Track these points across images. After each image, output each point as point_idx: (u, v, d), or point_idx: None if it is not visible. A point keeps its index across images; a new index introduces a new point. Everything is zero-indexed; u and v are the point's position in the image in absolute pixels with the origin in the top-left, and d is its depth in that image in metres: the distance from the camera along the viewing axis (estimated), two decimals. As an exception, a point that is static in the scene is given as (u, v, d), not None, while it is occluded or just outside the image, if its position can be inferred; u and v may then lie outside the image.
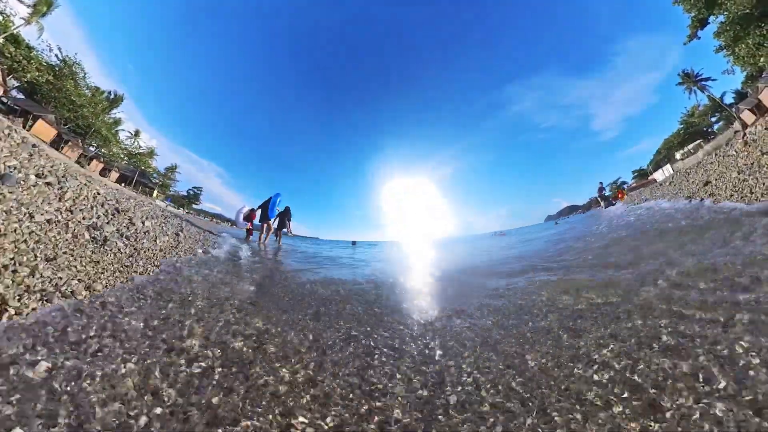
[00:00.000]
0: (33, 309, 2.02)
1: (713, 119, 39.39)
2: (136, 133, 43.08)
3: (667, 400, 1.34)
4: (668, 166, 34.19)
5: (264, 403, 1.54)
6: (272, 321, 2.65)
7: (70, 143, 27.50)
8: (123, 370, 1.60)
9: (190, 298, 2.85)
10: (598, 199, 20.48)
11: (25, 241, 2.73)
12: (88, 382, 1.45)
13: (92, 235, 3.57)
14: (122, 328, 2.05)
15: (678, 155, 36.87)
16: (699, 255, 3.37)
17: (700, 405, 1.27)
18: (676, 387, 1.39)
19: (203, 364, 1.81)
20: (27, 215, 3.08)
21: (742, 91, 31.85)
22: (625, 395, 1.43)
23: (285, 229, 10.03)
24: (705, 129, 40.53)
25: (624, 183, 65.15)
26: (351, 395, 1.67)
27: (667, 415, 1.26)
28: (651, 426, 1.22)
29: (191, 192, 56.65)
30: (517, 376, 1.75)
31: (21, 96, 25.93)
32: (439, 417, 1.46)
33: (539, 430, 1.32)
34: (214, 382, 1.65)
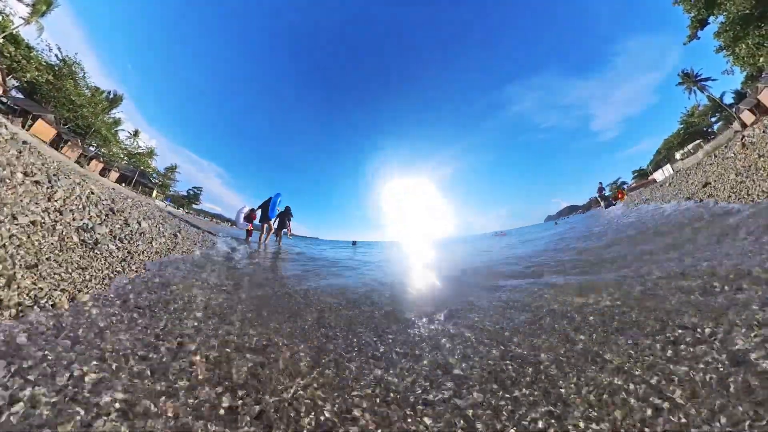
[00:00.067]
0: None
1: (713, 119, 39.45)
2: (136, 133, 43.09)
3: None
4: (668, 166, 34.21)
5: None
6: (277, 333, 2.39)
7: (69, 143, 27.48)
8: (103, 400, 1.34)
9: (183, 311, 2.52)
10: (598, 199, 20.50)
11: (4, 246, 2.47)
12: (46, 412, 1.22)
13: (82, 238, 3.32)
14: (102, 353, 1.68)
15: (678, 155, 36.89)
16: (698, 256, 3.37)
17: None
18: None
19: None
20: (9, 217, 2.83)
21: (742, 91, 31.91)
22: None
23: (285, 230, 10.00)
24: (705, 129, 40.58)
25: (624, 183, 65.24)
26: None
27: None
28: None
29: (191, 192, 56.69)
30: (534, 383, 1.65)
31: (20, 96, 25.93)
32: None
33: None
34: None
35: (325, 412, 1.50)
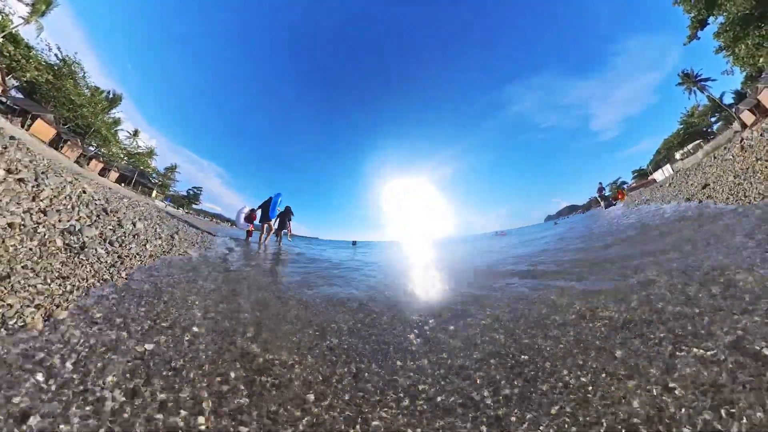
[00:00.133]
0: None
1: (713, 119, 39.46)
2: (135, 133, 43.04)
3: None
4: (668, 166, 34.22)
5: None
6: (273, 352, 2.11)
7: (69, 143, 27.44)
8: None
9: (176, 326, 2.19)
10: (598, 199, 20.52)
11: (-31, 254, 2.12)
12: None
13: (66, 242, 2.98)
14: (78, 395, 1.37)
15: (678, 155, 36.90)
16: (699, 257, 3.37)
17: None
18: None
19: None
20: (-20, 219, 2.47)
21: (742, 91, 31.90)
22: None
23: (285, 230, 9.94)
24: (705, 129, 40.59)
25: (624, 183, 65.25)
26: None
27: None
28: None
29: (191, 192, 56.64)
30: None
31: (20, 95, 25.88)
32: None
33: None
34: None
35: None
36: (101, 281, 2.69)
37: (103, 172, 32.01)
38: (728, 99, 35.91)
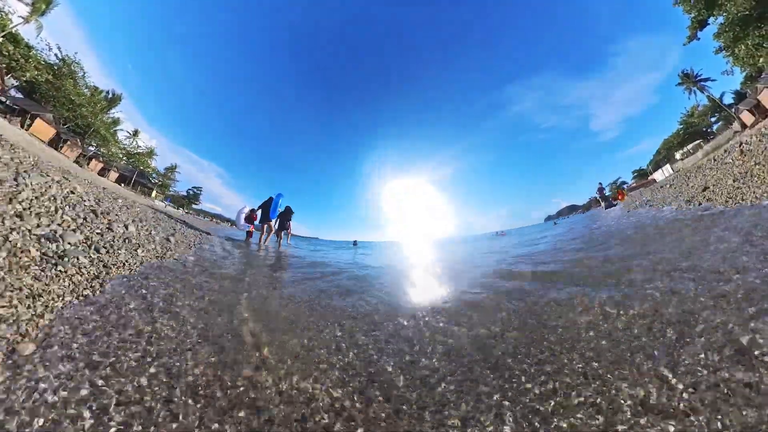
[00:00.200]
0: None
1: (713, 119, 39.52)
2: (135, 133, 43.04)
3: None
4: (668, 166, 34.26)
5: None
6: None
7: (69, 143, 27.43)
8: None
9: (162, 374, 1.65)
10: (599, 199, 20.55)
11: None
12: None
13: (43, 251, 2.56)
14: None
15: (678, 155, 36.94)
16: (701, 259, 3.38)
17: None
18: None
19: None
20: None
21: (742, 91, 31.94)
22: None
23: (286, 231, 9.92)
24: (704, 129, 40.63)
25: (624, 183, 65.35)
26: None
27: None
28: None
29: (191, 192, 56.67)
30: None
31: (20, 95, 25.86)
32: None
33: None
34: None
35: None
36: (80, 297, 2.29)
37: (102, 172, 32.00)
38: (728, 99, 35.97)
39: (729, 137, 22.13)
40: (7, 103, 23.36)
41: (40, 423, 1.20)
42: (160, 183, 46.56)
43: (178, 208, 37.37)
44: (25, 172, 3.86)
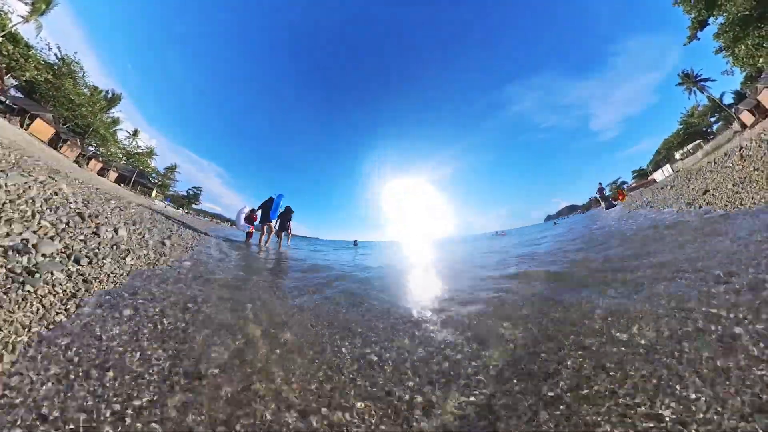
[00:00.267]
0: None
1: (713, 119, 39.56)
2: (135, 133, 43.01)
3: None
4: (668, 166, 34.28)
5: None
6: None
7: (69, 142, 27.40)
8: None
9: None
10: (599, 199, 20.56)
11: None
12: None
13: (9, 267, 2.15)
14: None
15: (677, 155, 36.96)
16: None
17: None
18: None
19: None
20: None
21: (741, 91, 31.96)
22: None
23: (286, 231, 9.85)
24: (704, 129, 40.66)
25: (624, 183, 65.40)
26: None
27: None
28: None
29: (191, 192, 56.67)
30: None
31: (19, 95, 25.83)
32: None
33: None
34: None
35: None
36: (51, 326, 1.84)
37: (102, 172, 31.98)
38: (728, 99, 35.98)
39: (729, 137, 22.13)
40: (7, 102, 23.32)
41: None
42: (159, 183, 46.54)
43: (177, 208, 37.35)
44: (1, 171, 3.50)
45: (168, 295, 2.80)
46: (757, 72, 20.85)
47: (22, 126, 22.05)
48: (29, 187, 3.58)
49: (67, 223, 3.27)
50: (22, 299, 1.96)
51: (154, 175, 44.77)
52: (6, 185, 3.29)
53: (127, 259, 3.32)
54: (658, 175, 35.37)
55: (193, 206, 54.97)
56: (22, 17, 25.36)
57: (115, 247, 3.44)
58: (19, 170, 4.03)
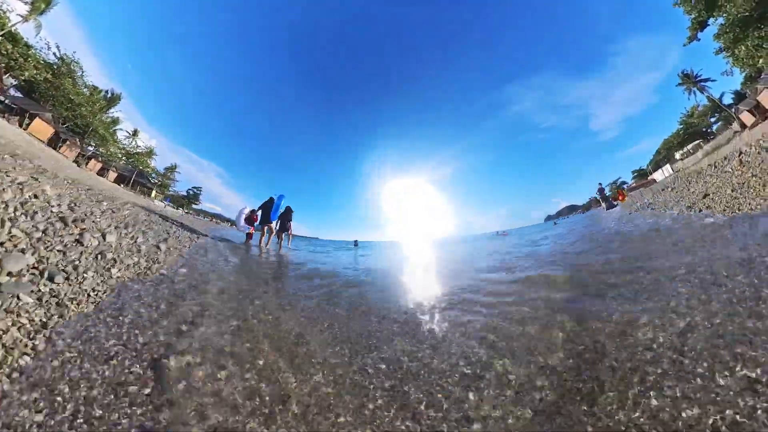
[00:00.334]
0: None
1: (712, 120, 39.55)
2: (135, 133, 42.93)
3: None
4: (668, 166, 34.31)
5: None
6: None
7: (68, 142, 27.34)
8: None
9: None
10: (599, 199, 20.56)
11: None
12: None
13: None
14: None
15: (677, 155, 36.99)
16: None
17: None
18: None
19: None
20: None
21: (741, 92, 31.94)
22: None
23: (286, 232, 9.80)
24: (704, 129, 40.66)
25: (624, 183, 65.40)
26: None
27: None
28: None
29: (191, 192, 56.60)
30: None
31: (18, 94, 25.76)
32: None
33: None
34: None
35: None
36: (13, 373, 1.43)
37: (101, 172, 31.92)
38: (728, 99, 35.97)
39: (729, 137, 22.14)
40: (6, 102, 23.27)
41: None
42: (159, 183, 46.46)
43: (177, 209, 37.29)
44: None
45: (160, 317, 2.32)
46: (756, 72, 20.85)
47: (21, 126, 22.00)
48: (2, 189, 3.21)
49: (45, 231, 2.85)
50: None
51: (153, 175, 44.68)
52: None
53: (113, 270, 2.91)
54: (658, 175, 35.40)
55: (193, 206, 54.89)
56: (22, 16, 25.30)
57: (99, 257, 3.02)
58: (-2, 171, 3.49)
